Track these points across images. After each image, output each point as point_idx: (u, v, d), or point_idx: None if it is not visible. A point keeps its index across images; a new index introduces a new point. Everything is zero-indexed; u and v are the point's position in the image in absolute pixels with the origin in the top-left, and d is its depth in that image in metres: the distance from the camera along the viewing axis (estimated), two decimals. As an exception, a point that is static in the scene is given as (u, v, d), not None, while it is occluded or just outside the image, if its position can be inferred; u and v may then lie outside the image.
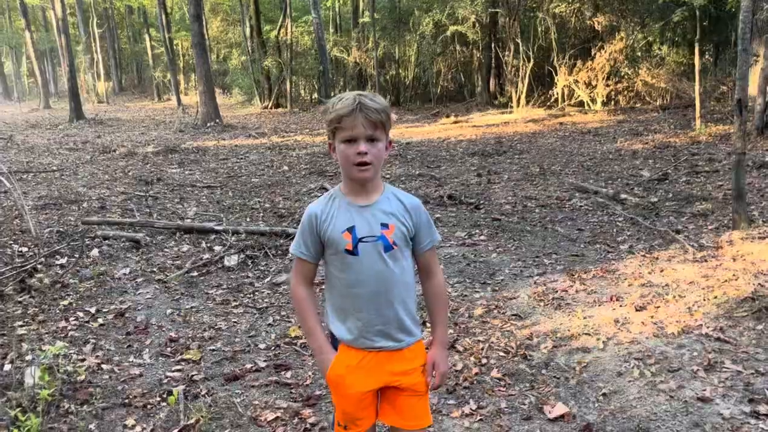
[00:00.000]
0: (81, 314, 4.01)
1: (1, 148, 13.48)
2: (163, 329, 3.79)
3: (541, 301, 4.12)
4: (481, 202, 7.14)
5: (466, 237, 5.76)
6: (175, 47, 40.15)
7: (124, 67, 49.39)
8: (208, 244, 5.57)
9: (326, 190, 7.72)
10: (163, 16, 35.28)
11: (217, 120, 16.28)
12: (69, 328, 3.78)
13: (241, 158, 11.58)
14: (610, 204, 6.78)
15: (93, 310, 4.08)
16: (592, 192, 7.35)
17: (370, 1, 21.93)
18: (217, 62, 37.30)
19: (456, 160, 10.62)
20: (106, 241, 5.62)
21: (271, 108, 24.57)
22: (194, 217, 6.72)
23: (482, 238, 5.71)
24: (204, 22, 34.93)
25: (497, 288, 4.44)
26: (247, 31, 27.06)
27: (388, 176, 9.00)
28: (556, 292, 4.28)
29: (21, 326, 3.76)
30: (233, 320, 3.96)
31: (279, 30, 23.97)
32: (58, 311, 4.06)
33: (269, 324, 3.89)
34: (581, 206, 6.81)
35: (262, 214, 6.81)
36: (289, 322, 3.91)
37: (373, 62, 22.37)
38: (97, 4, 39.56)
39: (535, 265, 4.91)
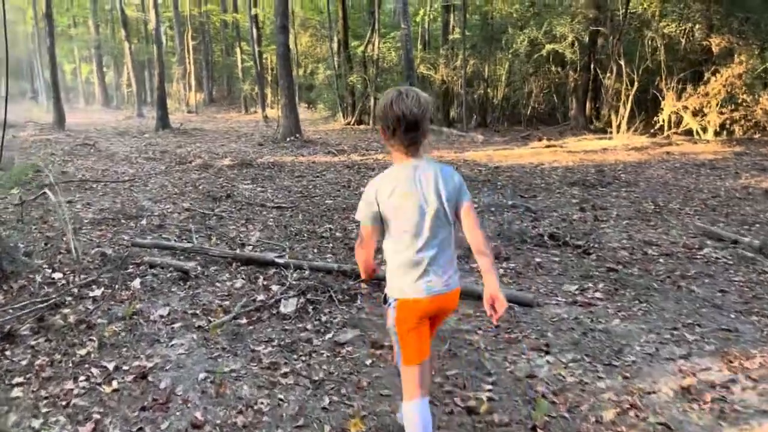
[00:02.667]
0: (96, 371, 3.23)
1: (84, 155, 13.42)
2: (189, 404, 2.94)
3: (695, 402, 2.99)
4: (591, 244, 5.98)
5: (577, 292, 4.64)
6: (264, 61, 40.86)
7: (216, 79, 50.78)
8: (266, 281, 4.74)
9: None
10: (254, 30, 35.77)
11: (297, 135, 15.76)
12: (75, 392, 2.99)
13: (317, 176, 10.86)
14: (758, 258, 5.46)
15: (111, 366, 3.30)
16: (728, 240, 6.03)
17: (461, 18, 21.06)
18: (304, 77, 37.51)
19: (553, 189, 9.44)
20: (152, 270, 4.90)
21: (353, 124, 24.03)
22: (256, 244, 5.93)
23: (598, 295, 4.58)
24: (291, 35, 35.32)
25: (628, 374, 3.33)
26: (335, 46, 26.80)
27: (475, 204, 7.97)
28: (714, 388, 3.13)
29: (19, 384, 3.01)
30: (279, 396, 3.05)
31: (366, 45, 23.47)
32: (70, 364, 3.30)
33: (324, 407, 2.95)
34: (718, 259, 5.52)
35: (331, 245, 5.95)
36: (351, 405, 2.96)
37: (461, 80, 21.42)
38: (193, 18, 40.77)
39: (675, 341, 3.75)
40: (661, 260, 5.50)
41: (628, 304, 4.40)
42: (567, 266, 5.31)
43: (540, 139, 17.45)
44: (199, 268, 4.98)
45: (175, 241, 5.99)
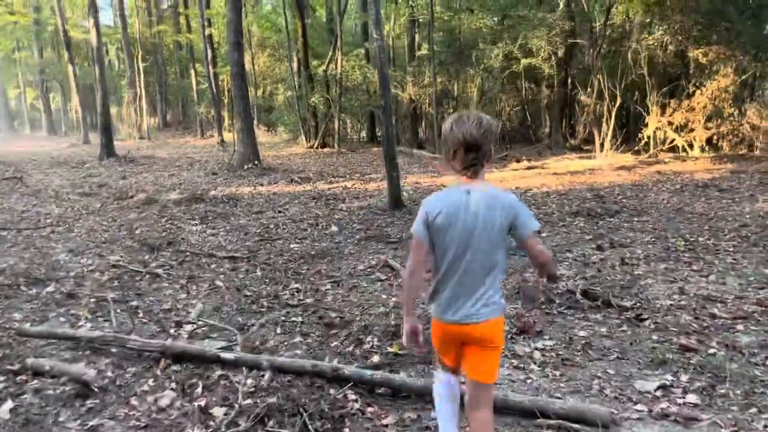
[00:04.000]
0: None
1: (5, 192, 11.60)
2: None
3: None
4: (639, 304, 4.61)
5: (659, 394, 3.23)
6: (220, 82, 39.14)
7: (171, 102, 48.78)
8: (206, 395, 3.20)
9: (391, 269, 5.00)
10: (209, 51, 34.15)
11: (256, 161, 14.20)
12: None
13: (280, 212, 9.33)
14: None
15: None
16: (808, 292, 4.75)
17: (427, 34, 19.93)
18: (263, 98, 35.98)
19: (555, 221, 8.12)
20: (36, 382, 3.32)
21: (317, 148, 22.57)
22: (195, 324, 4.37)
23: (692, 399, 3.16)
24: (246, 53, 33.77)
25: None
26: (294, 65, 25.39)
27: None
28: None
29: None
30: None
31: (328, 64, 22.11)
32: None
33: None
34: (814, 322, 4.21)
35: (301, 319, 4.43)
36: None
37: (430, 99, 20.24)
38: (145, 39, 38.88)
39: None
40: (740, 327, 4.15)
41: (743, 414, 3.00)
42: (623, 343, 3.91)
43: (519, 160, 16.27)
44: (109, 373, 3.42)
45: (86, 320, 4.40)
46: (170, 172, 15.43)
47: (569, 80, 18.89)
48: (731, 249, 6.35)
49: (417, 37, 22.43)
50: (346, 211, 9.25)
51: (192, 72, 38.54)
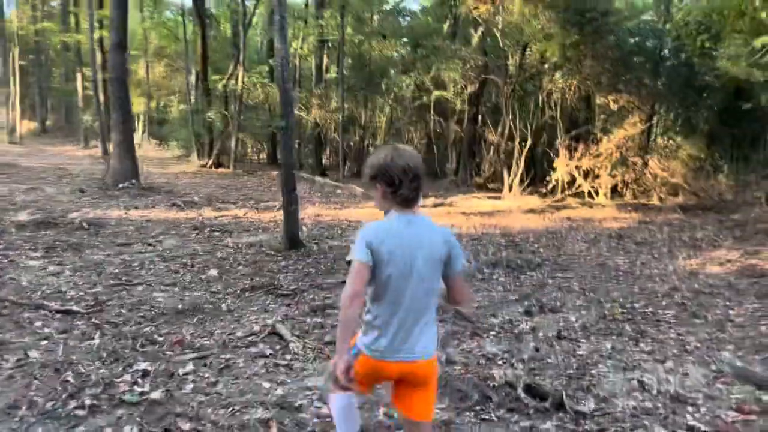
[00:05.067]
0: None
1: None
2: None
3: None
4: (597, 408, 3.58)
5: None
6: (107, 90, 36.22)
7: (54, 107, 44.71)
8: None
9: (280, 339, 3.70)
10: (98, 54, 31.52)
11: (134, 180, 12.38)
12: None
13: (150, 245, 7.75)
14: None
15: None
16: (785, 390, 3.93)
17: (337, 56, 18.93)
18: (157, 110, 33.58)
19: (470, 272, 7.13)
20: None
21: (210, 167, 20.80)
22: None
23: None
24: (142, 62, 31.36)
25: None
26: (192, 78, 23.60)
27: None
28: None
29: None
30: None
31: (228, 79, 20.54)
32: None
33: None
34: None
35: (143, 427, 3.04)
36: None
37: (336, 125, 19.19)
38: (26, 35, 35.27)
39: None
40: (728, 448, 3.21)
41: None
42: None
43: (425, 196, 15.44)
44: None
45: None
46: (30, 185, 13.23)
47: (479, 117, 18.46)
48: (672, 320, 5.56)
49: (326, 59, 21.37)
50: (232, 248, 7.81)
51: (79, 76, 35.36)
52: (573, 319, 5.48)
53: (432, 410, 2.30)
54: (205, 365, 3.93)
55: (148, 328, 4.57)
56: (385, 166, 2.14)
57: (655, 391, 3.87)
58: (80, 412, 3.12)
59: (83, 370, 3.66)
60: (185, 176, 17.97)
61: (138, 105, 34.79)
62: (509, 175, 15.64)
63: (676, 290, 6.71)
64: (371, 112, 20.50)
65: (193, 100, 22.26)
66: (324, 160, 21.88)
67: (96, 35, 25.39)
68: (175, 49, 29.38)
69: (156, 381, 3.58)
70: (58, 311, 4.82)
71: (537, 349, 4.58)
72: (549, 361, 4.33)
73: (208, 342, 4.37)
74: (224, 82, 20.98)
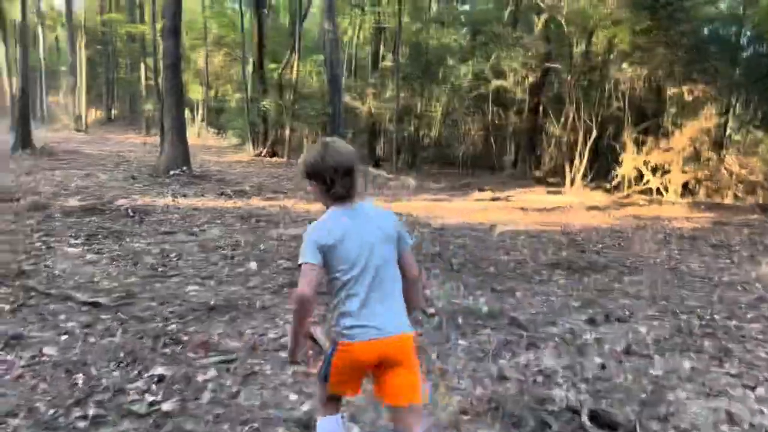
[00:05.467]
0: None
1: None
2: None
3: None
4: (676, 442, 3.04)
5: None
6: (171, 79, 36.84)
7: (121, 96, 45.89)
8: None
9: (317, 345, 3.49)
10: (160, 43, 32.09)
11: (185, 167, 12.28)
12: None
13: (193, 234, 7.51)
14: None
15: None
16: None
17: (393, 45, 18.45)
18: (215, 99, 33.90)
19: (530, 275, 6.56)
20: None
21: (264, 156, 20.72)
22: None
23: None
24: (203, 51, 31.66)
25: None
26: (249, 67, 23.55)
27: (432, 310, 4.95)
28: None
29: None
30: None
31: (284, 68, 20.37)
32: None
33: None
34: None
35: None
36: None
37: (390, 115, 18.74)
38: (93, 26, 36.27)
39: None
40: None
41: None
42: None
43: (482, 189, 14.84)
44: None
45: None
46: (87, 172, 13.35)
47: (540, 107, 17.65)
48: (760, 336, 4.88)
49: (382, 47, 20.92)
50: (276, 240, 7.49)
51: (142, 65, 36.10)
52: (643, 330, 4.87)
53: (419, 391, 2.27)
54: (228, 371, 3.56)
55: (174, 326, 4.25)
56: (316, 166, 2.18)
57: (746, 425, 3.27)
58: (81, 424, 2.79)
59: (95, 373, 3.35)
60: (239, 165, 17.90)
61: (197, 94, 35.33)
62: (571, 170, 14.84)
63: (762, 301, 5.97)
64: (427, 101, 19.95)
65: (249, 89, 22.24)
66: (378, 151, 21.48)
67: (159, 25, 25.74)
68: (234, 38, 29.52)
69: (171, 389, 3.23)
70: (85, 303, 4.56)
71: (603, 366, 4.01)
72: (617, 381, 3.77)
73: (236, 344, 4.01)
74: (280, 71, 20.85)
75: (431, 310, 4.96)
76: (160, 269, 5.81)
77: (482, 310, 5.09)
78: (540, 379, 3.81)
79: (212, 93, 33.99)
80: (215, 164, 17.50)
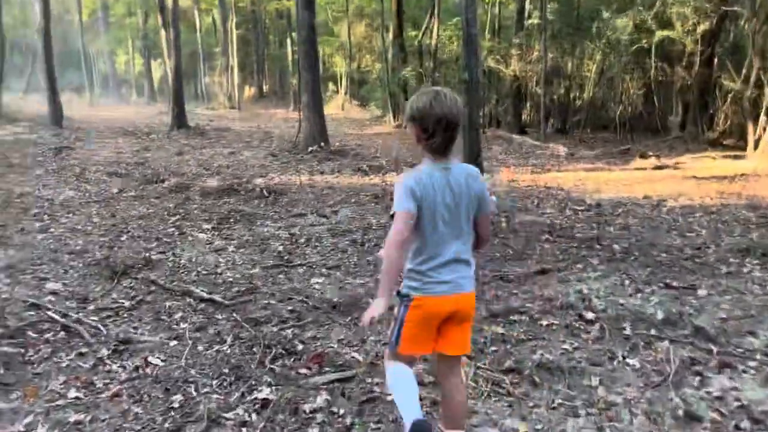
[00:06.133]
0: None
1: (29, 166, 10.16)
2: None
3: None
4: None
5: None
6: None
7: (272, 72, 47.77)
8: None
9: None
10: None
11: (323, 143, 12.08)
12: None
13: (324, 216, 7.12)
14: None
15: None
16: None
17: (540, 0, 16.95)
18: (358, 72, 33.99)
19: (711, 263, 5.37)
20: None
21: (405, 127, 20.23)
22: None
23: None
24: (344, 24, 31.76)
25: None
26: (390, 36, 23.08)
27: (595, 298, 4.08)
28: None
29: None
30: None
31: (423, 33, 19.63)
32: None
33: None
34: None
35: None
36: None
37: (539, 77, 17.34)
38: (243, 5, 37.78)
39: None
40: None
41: None
42: None
43: (644, 156, 13.18)
44: None
45: None
46: (232, 150, 13.66)
47: (714, 59, 15.35)
48: None
49: (528, 4, 19.38)
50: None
51: (288, 41, 37.13)
52: None
53: (469, 342, 2.44)
54: (343, 394, 3.01)
55: (290, 330, 3.79)
56: (422, 111, 2.15)
57: None
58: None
59: (194, 394, 2.94)
60: (378, 138, 17.58)
61: (340, 66, 35.69)
62: (755, 130, 12.69)
63: None
64: (579, 61, 18.23)
65: (387, 58, 21.82)
66: (524, 117, 20.16)
67: None
68: (375, 7, 29.21)
69: (273, 420, 2.72)
70: (202, 300, 4.26)
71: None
72: None
73: (356, 355, 3.46)
74: (419, 37, 20.13)
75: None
76: (285, 257, 5.45)
77: (655, 314, 4.12)
78: (744, 421, 2.86)
79: (355, 65, 34.15)
80: (355, 137, 17.33)
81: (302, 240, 6.01)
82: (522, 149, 14.85)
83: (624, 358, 3.50)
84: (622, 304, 4.34)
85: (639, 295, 4.56)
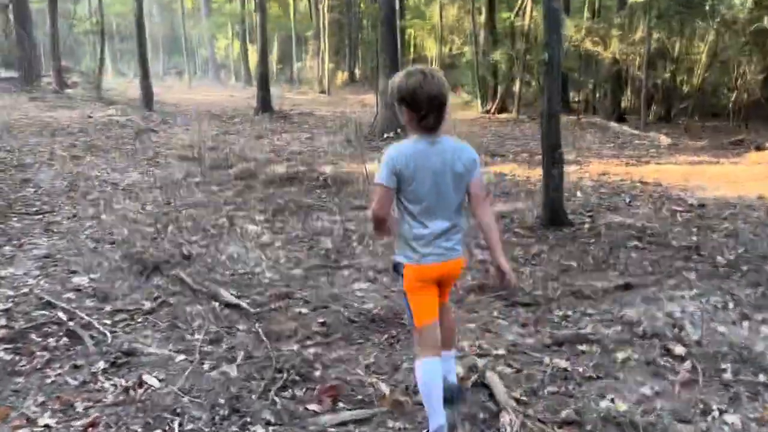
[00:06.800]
0: None
1: (110, 148, 10.26)
2: None
3: None
4: None
5: None
6: (406, 37, 36.93)
7: (364, 56, 47.65)
8: None
9: (493, 401, 2.96)
10: (397, 1, 32.08)
11: (399, 129, 11.49)
12: None
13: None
14: None
15: None
16: None
17: (646, -25, 15.46)
18: (449, 55, 33.12)
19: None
20: None
21: (493, 112, 19.33)
22: None
23: None
24: (436, 5, 30.88)
25: None
26: (482, 17, 22.07)
27: (689, 325, 3.32)
28: None
29: None
30: None
31: (515, 13, 18.57)
32: None
33: None
34: None
35: None
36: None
37: (640, 60, 15.91)
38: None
39: None
40: None
41: None
42: None
43: (761, 148, 11.69)
44: None
45: None
46: (310, 135, 13.40)
47: None
48: None
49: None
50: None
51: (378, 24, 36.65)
52: None
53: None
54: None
55: (313, 349, 3.29)
56: (413, 93, 2.19)
57: None
58: None
59: (178, 430, 2.49)
60: (463, 123, 16.79)
61: (431, 50, 34.92)
62: None
63: None
64: (688, 42, 16.59)
65: (481, 41, 20.88)
66: (623, 103, 18.67)
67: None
68: (468, -12, 28.16)
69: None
70: (228, 305, 3.84)
71: None
72: None
73: (382, 386, 2.90)
74: (512, 18, 19.09)
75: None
76: (333, 257, 4.96)
77: (766, 353, 3.29)
78: None
79: (446, 48, 33.27)
80: (439, 123, 16.62)
81: (355, 237, 5.51)
82: (618, 139, 13.64)
83: (721, 413, 2.74)
84: (722, 335, 3.53)
85: (746, 323, 3.72)
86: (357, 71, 45.52)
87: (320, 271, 4.62)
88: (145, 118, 14.98)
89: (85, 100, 18.48)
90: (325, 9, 33.50)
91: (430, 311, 2.39)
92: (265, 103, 17.69)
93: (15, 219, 5.69)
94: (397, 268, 2.41)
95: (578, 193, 7.41)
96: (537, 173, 8.79)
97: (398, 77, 2.28)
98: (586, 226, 5.82)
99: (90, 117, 14.47)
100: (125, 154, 9.68)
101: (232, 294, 4.02)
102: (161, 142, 11.25)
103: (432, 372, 2.35)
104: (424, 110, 2.17)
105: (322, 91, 33.03)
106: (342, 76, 43.25)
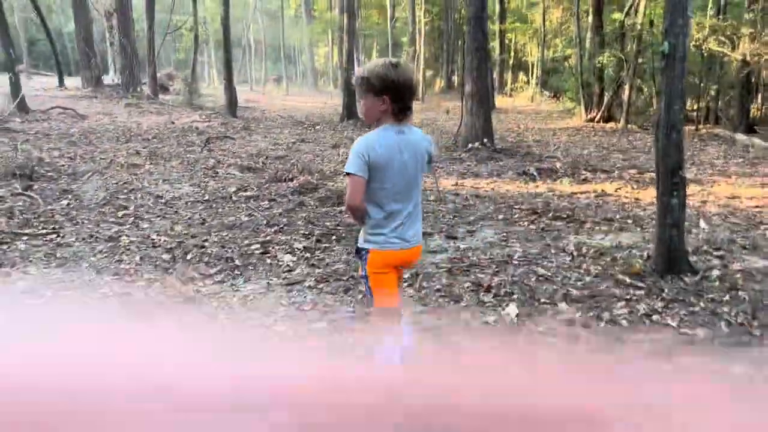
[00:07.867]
0: None
1: (179, 154, 9.71)
2: None
3: None
4: None
5: None
6: (507, 41, 35.33)
7: (461, 64, 46.43)
8: None
9: None
10: (498, 4, 30.79)
11: (486, 140, 10.23)
12: None
13: (452, 239, 5.41)
14: None
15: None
16: None
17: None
18: (552, 60, 31.29)
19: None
20: None
21: (598, 121, 17.54)
22: None
23: None
24: (539, 8, 29.18)
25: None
26: (590, 19, 20.28)
27: None
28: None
29: None
30: None
31: (626, 11, 16.74)
32: None
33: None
34: None
35: None
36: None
37: (777, 62, 13.70)
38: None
39: None
40: None
41: None
42: None
43: None
44: None
45: None
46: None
47: None
48: None
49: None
50: (570, 255, 4.89)
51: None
52: None
53: None
54: None
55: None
56: (395, 82, 2.26)
57: None
58: None
59: None
60: (563, 133, 15.21)
61: (533, 55, 33.17)
62: None
63: None
64: (837, 40, 14.12)
65: (587, 44, 19.13)
66: (752, 112, 16.31)
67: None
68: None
69: None
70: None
71: None
72: None
73: None
74: (622, 17, 17.24)
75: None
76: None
77: None
78: None
79: (549, 53, 31.43)
80: (535, 132, 15.18)
81: (407, 276, 4.38)
82: (748, 153, 11.63)
83: None
84: None
85: None
86: (455, 78, 44.34)
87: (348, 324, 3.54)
88: (225, 125, 14.58)
89: (176, 106, 18.53)
90: (422, 14, 32.55)
91: (392, 295, 2.50)
92: (350, 110, 16.92)
93: (25, 238, 5.02)
94: (359, 253, 2.49)
95: (701, 223, 5.88)
96: (648, 195, 7.28)
97: (377, 67, 2.31)
98: (715, 273, 4.37)
99: (172, 123, 14.25)
100: (185, 163, 9.07)
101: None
102: (231, 150, 10.63)
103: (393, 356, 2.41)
104: (405, 100, 2.31)
105: (416, 98, 32.08)
106: (439, 83, 42.26)
